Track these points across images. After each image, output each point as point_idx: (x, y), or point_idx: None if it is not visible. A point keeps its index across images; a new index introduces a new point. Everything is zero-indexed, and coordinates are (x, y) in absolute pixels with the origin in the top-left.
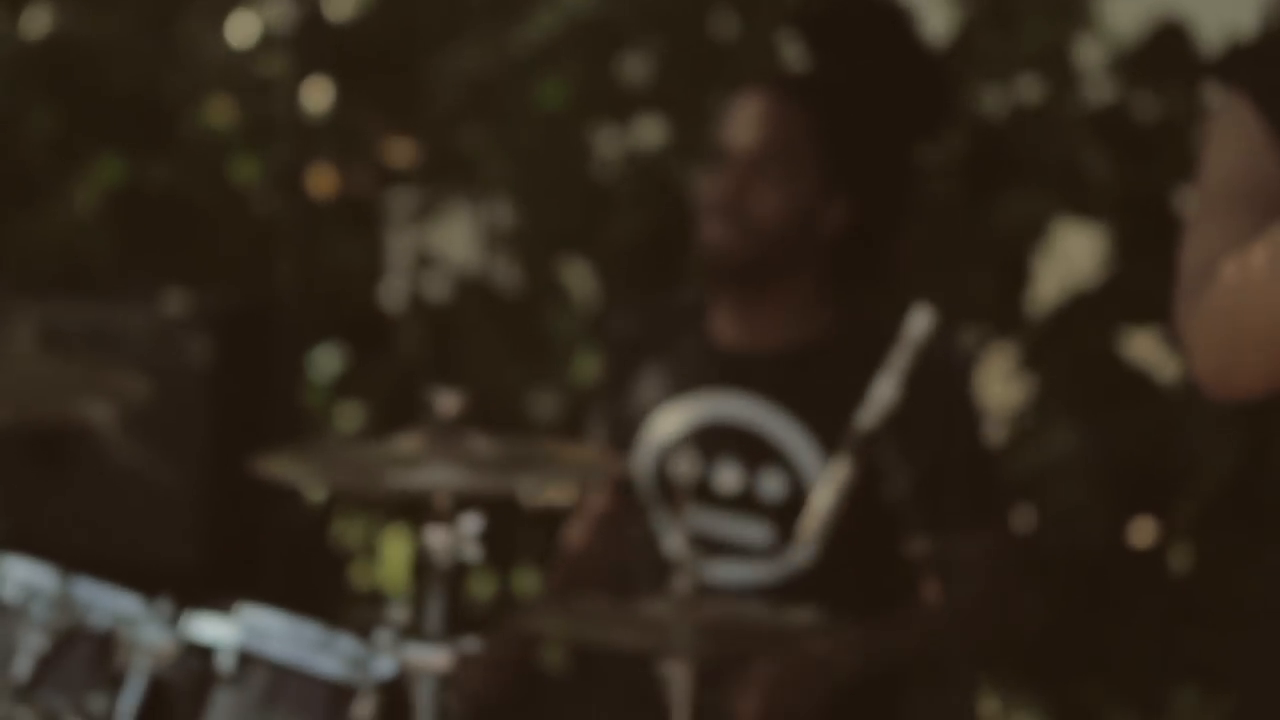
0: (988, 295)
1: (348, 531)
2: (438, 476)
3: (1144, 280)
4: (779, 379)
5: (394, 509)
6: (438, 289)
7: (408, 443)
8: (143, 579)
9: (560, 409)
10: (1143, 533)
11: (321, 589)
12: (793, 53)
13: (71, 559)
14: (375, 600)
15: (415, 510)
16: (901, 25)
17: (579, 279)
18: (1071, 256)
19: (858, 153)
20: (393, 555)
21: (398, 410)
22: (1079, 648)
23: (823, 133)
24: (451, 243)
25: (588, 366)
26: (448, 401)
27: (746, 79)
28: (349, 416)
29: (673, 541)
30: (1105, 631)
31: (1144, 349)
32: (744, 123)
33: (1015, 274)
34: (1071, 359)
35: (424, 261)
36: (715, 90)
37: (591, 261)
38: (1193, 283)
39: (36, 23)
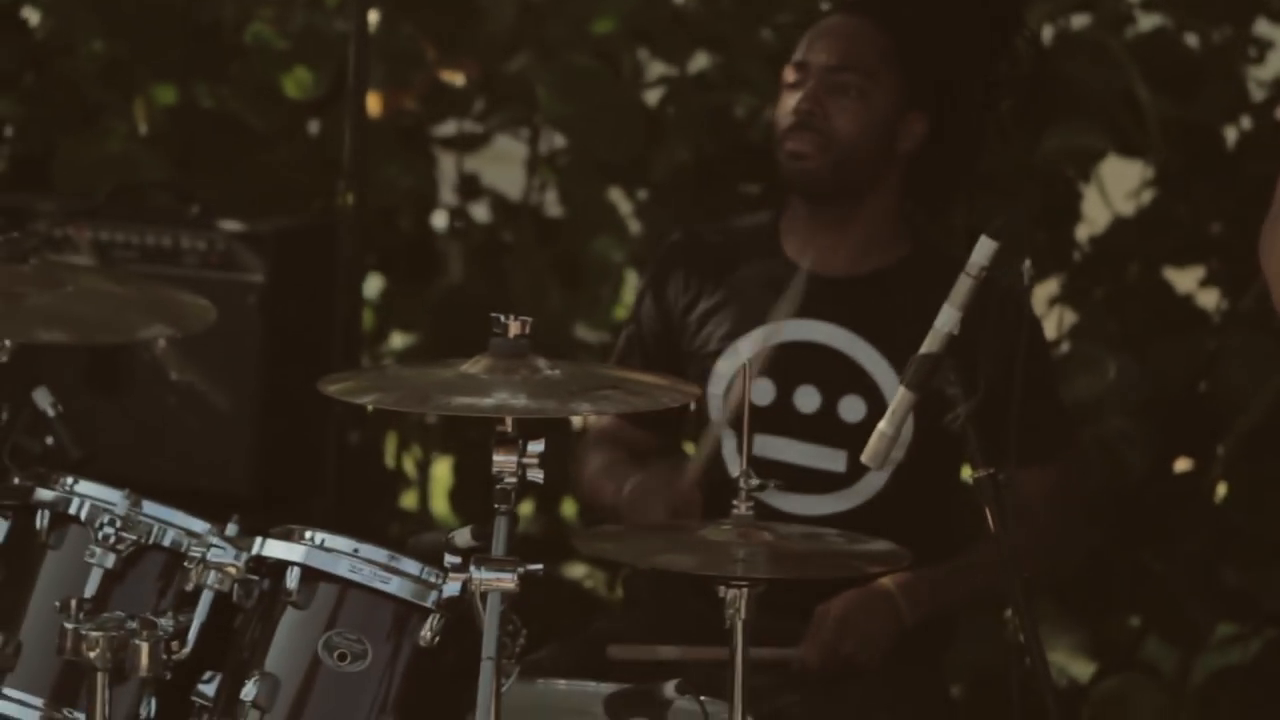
0: (1034, 226)
1: (399, 457)
2: (508, 400)
3: (1188, 215)
4: (857, 304)
5: (443, 435)
6: (486, 216)
7: (475, 366)
8: (197, 500)
9: (607, 337)
10: (1185, 464)
11: (372, 511)
12: None
13: (125, 479)
14: (424, 523)
15: (459, 437)
16: None
17: (626, 206)
18: (1113, 190)
19: (932, 68)
20: (441, 481)
21: (444, 334)
22: (1118, 581)
23: (898, 49)
24: (501, 170)
25: (633, 294)
26: (514, 326)
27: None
28: (398, 339)
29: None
30: (1144, 564)
31: (1187, 284)
32: (823, 41)
33: (1062, 206)
34: (1112, 289)
35: (472, 189)
36: (764, 22)
37: (638, 188)
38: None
39: None
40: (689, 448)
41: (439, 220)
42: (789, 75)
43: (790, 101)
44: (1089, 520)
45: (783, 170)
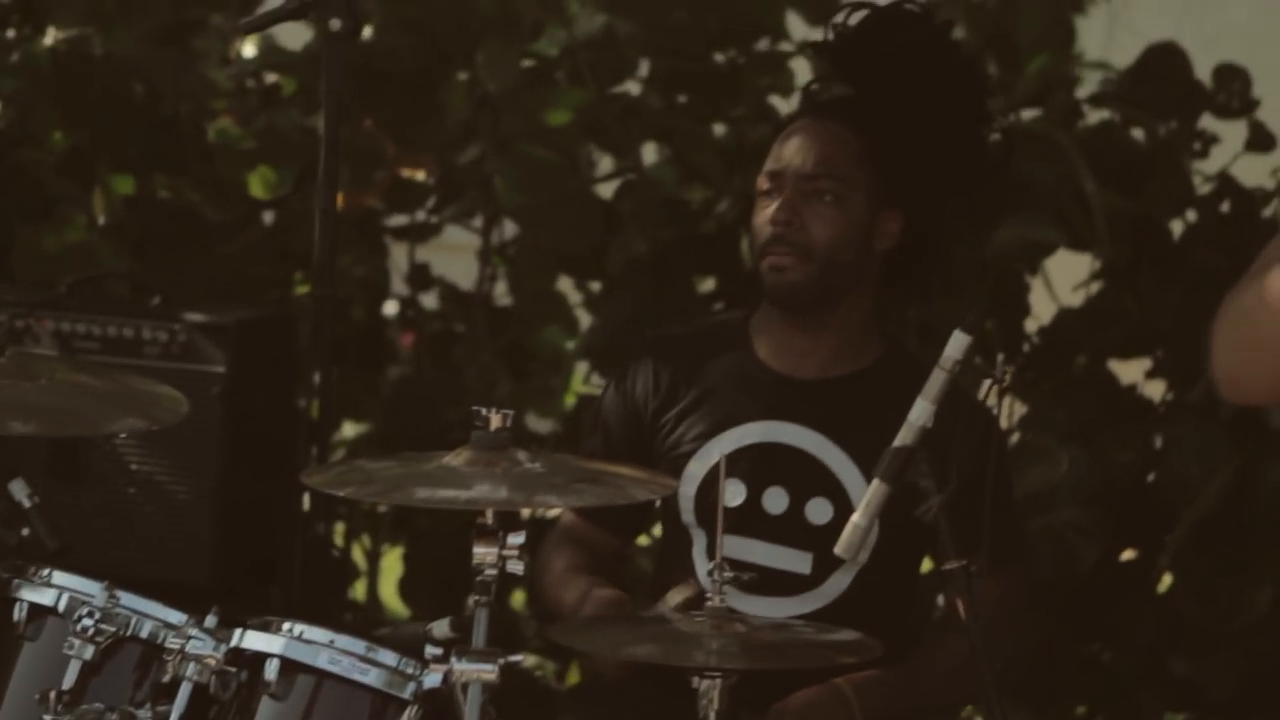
0: (986, 320)
1: (348, 546)
2: (487, 492)
3: (1134, 307)
4: (828, 407)
5: (393, 525)
6: (439, 306)
7: (456, 459)
8: (157, 589)
9: (559, 427)
10: (1130, 553)
11: (327, 602)
12: (804, 74)
13: (84, 569)
14: (374, 613)
15: (409, 526)
16: (933, 31)
17: (575, 297)
18: (1057, 282)
19: (905, 166)
20: (390, 570)
21: (396, 424)
22: (1066, 671)
23: (871, 149)
24: (451, 259)
25: (584, 385)
26: (495, 420)
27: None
28: (349, 429)
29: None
30: (1092, 654)
31: (1132, 374)
32: (795, 148)
33: (1012, 299)
34: (1060, 380)
35: (424, 279)
36: (718, 116)
37: (593, 279)
38: (1238, 291)
39: (51, 40)
40: (643, 540)
41: (390, 309)
42: (763, 184)
43: (766, 212)
44: (1035, 617)
45: (765, 284)
